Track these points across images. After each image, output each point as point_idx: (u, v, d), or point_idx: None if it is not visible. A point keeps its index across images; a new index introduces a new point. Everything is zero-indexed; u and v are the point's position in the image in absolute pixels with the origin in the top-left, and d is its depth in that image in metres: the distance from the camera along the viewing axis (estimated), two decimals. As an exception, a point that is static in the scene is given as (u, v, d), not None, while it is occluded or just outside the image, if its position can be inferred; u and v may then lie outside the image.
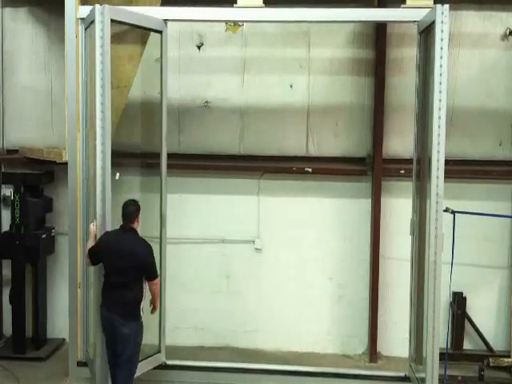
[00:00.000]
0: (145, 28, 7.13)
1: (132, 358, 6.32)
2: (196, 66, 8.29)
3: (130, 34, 7.30)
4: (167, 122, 7.41)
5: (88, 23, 6.95)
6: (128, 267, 6.16)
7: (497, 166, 8.01)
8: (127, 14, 6.83)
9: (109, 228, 6.51)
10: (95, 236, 6.53)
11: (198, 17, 7.21)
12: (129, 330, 6.18)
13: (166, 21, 7.19)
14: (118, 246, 6.21)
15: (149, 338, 6.96)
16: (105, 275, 6.37)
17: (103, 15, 6.43)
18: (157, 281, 6.39)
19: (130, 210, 6.32)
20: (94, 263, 6.52)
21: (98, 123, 6.50)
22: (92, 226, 6.63)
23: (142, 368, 6.95)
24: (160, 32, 7.23)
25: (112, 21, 6.52)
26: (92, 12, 6.60)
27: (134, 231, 6.35)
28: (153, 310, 6.58)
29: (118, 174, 7.05)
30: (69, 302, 7.42)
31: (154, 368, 7.35)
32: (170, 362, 7.51)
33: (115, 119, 7.43)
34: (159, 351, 7.47)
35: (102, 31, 6.44)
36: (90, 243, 6.53)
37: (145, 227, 6.86)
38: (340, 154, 8.27)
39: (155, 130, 7.59)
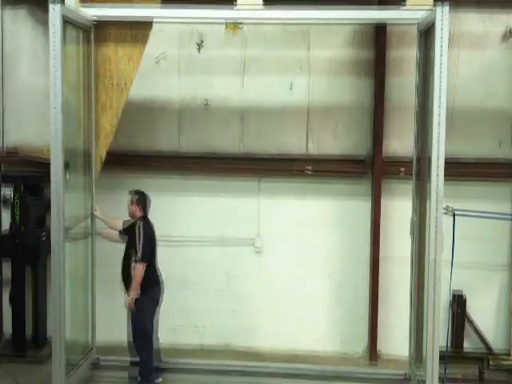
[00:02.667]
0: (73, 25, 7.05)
1: None
2: (196, 67, 8.30)
3: (131, 34, 7.30)
4: (166, 122, 7.40)
5: None
6: None
7: (496, 166, 8.03)
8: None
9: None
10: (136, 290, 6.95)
11: (199, 17, 7.21)
12: None
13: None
14: (154, 229, 7.15)
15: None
16: (153, 260, 7.07)
17: (55, 12, 6.48)
18: None
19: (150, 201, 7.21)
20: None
21: (53, 125, 6.57)
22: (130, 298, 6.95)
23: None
24: (88, 30, 7.23)
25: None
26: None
27: None
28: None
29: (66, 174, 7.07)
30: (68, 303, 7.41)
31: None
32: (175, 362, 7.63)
33: (115, 119, 7.45)
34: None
35: (54, 26, 6.50)
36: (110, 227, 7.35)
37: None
38: (340, 155, 8.28)
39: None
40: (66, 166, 6.70)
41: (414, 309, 7.32)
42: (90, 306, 7.61)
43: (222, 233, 8.38)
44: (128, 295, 6.91)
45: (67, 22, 6.75)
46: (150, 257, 6.95)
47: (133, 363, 7.25)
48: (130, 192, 7.17)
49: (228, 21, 7.94)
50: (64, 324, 6.57)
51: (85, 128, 7.40)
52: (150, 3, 7.26)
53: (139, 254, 6.81)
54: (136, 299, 6.87)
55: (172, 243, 7.88)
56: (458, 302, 8.01)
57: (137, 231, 6.91)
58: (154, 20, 7.19)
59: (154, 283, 7.07)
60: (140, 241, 6.85)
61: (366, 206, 8.21)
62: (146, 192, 7.18)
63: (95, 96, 7.42)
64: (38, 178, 8.21)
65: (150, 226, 7.08)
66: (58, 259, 6.50)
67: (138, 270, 6.82)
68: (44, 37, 8.42)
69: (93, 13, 7.10)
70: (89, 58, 7.34)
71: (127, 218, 7.24)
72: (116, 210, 7.44)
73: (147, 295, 6.95)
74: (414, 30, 7.15)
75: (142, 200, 7.11)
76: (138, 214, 7.08)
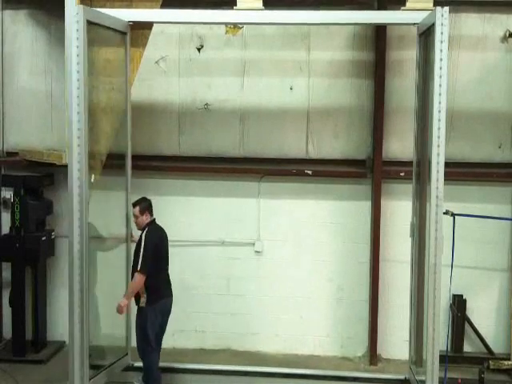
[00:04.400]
0: (110, 29, 7.00)
1: None
2: (196, 68, 8.29)
3: (133, 37, 7.30)
4: (167, 123, 7.39)
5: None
6: (168, 251, 7.10)
7: (496, 168, 8.01)
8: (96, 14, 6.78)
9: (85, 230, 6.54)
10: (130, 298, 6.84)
11: (198, 19, 7.21)
12: None
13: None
14: (165, 235, 7.04)
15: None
16: (159, 271, 6.86)
17: (79, 15, 6.40)
18: None
19: (151, 203, 7.02)
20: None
21: (75, 125, 6.45)
22: (122, 302, 6.79)
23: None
24: (124, 33, 7.18)
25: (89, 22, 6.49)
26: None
27: None
28: None
29: (93, 177, 7.04)
30: (68, 304, 7.39)
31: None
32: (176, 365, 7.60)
33: (117, 122, 7.45)
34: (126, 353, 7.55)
35: (78, 31, 6.41)
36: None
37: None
38: (340, 156, 8.27)
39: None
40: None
41: (414, 311, 7.30)
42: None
43: (222, 235, 8.37)
44: (122, 300, 6.77)
45: (96, 24, 6.73)
46: (153, 268, 6.72)
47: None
48: (133, 204, 6.95)
49: (228, 25, 7.94)
50: (84, 329, 6.60)
51: (117, 131, 7.47)
52: (151, 5, 7.29)
53: (138, 266, 6.65)
54: (141, 307, 6.79)
55: (172, 244, 7.84)
56: (458, 305, 7.99)
57: (142, 240, 6.75)
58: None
59: (160, 296, 6.86)
60: (141, 251, 6.67)
61: (366, 207, 8.21)
62: (146, 197, 7.02)
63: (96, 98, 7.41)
64: (38, 181, 8.22)
65: (155, 233, 6.88)
66: (79, 264, 6.56)
67: (135, 280, 6.68)
68: (44, 39, 8.46)
69: (128, 16, 7.08)
70: (125, 61, 7.32)
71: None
72: (113, 210, 7.43)
73: (152, 306, 6.78)
74: (414, 32, 7.13)
75: (146, 207, 6.90)
76: (146, 222, 6.89)
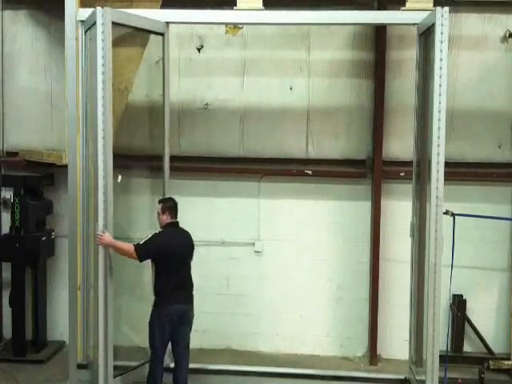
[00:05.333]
0: (146, 30, 7.13)
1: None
2: (196, 68, 8.29)
3: (131, 36, 7.29)
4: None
5: (88, 26, 6.94)
6: (188, 258, 6.80)
7: (496, 168, 8.01)
8: (128, 16, 6.83)
9: (111, 230, 6.51)
10: (114, 241, 6.53)
11: (198, 19, 7.22)
12: (193, 312, 6.83)
13: (167, 23, 7.20)
14: (181, 240, 6.74)
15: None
16: (168, 274, 6.58)
17: (104, 18, 6.41)
18: None
19: (176, 206, 6.80)
20: (142, 260, 6.60)
21: (100, 126, 6.48)
22: (104, 235, 6.48)
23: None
24: (162, 34, 7.24)
25: (113, 23, 6.50)
26: (93, 14, 6.59)
27: (179, 223, 6.83)
28: None
29: (119, 177, 7.06)
30: (69, 304, 7.41)
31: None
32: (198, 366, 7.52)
33: (115, 121, 7.44)
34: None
35: (104, 34, 6.42)
36: (118, 244, 6.55)
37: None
38: (340, 156, 8.27)
39: (156, 132, 7.59)
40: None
41: (414, 311, 7.30)
42: None
43: (222, 234, 8.37)
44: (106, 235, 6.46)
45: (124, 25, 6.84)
46: (160, 269, 6.56)
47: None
48: (158, 201, 6.86)
49: (228, 25, 7.94)
50: (108, 330, 6.62)
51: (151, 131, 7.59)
52: (150, 5, 7.30)
53: (139, 242, 6.49)
54: (152, 310, 6.64)
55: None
56: (458, 305, 7.99)
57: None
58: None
59: (167, 301, 6.57)
60: (146, 238, 6.54)
61: (366, 207, 8.21)
62: (173, 198, 6.85)
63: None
64: (38, 181, 8.22)
65: (164, 238, 6.60)
66: (104, 263, 6.55)
67: (127, 246, 6.48)
68: (44, 39, 8.46)
69: (165, 17, 7.13)
70: (163, 61, 7.37)
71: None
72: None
73: (157, 310, 6.57)
74: (414, 32, 7.14)
75: (168, 207, 6.71)
76: (165, 221, 6.69)
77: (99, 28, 6.42)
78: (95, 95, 6.51)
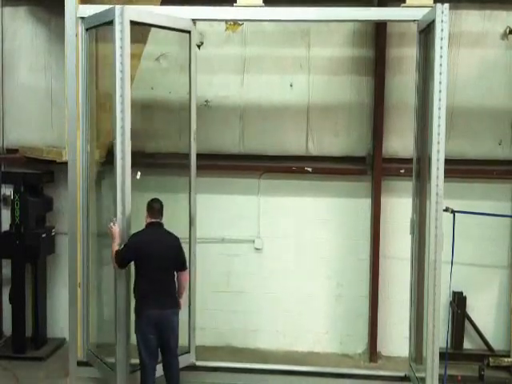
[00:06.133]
0: (170, 28, 7.11)
1: (177, 343, 6.62)
2: (196, 65, 8.27)
3: (131, 33, 7.29)
4: (169, 120, 7.39)
5: (94, 23, 6.97)
6: (166, 260, 6.45)
7: (497, 165, 8.01)
8: (150, 15, 6.85)
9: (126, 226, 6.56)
10: (119, 236, 6.53)
11: (198, 16, 7.20)
12: (177, 318, 6.53)
13: (193, 20, 7.17)
14: (156, 241, 6.44)
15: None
16: (144, 277, 6.41)
17: (122, 17, 6.43)
18: (187, 272, 6.71)
19: (158, 206, 6.58)
20: (123, 266, 6.50)
21: (118, 124, 6.54)
22: (114, 226, 6.53)
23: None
24: (188, 32, 7.21)
25: (132, 22, 6.54)
26: (109, 12, 6.58)
27: (163, 225, 6.61)
28: (179, 301, 6.69)
29: (138, 174, 7.09)
30: (69, 301, 7.42)
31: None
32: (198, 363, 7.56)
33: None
34: (188, 351, 7.49)
35: (122, 33, 6.45)
36: (116, 244, 6.50)
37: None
38: (340, 154, 8.27)
39: (158, 129, 7.58)
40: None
41: (414, 308, 7.30)
42: (189, 309, 7.47)
43: (222, 232, 8.37)
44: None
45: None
46: (136, 271, 6.41)
47: None
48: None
49: (228, 22, 7.93)
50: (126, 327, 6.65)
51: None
52: (151, 2, 7.29)
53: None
54: None
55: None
56: (458, 302, 8.00)
57: None
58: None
59: (142, 305, 6.36)
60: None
61: (366, 204, 8.21)
62: (157, 198, 6.70)
63: (96, 95, 7.42)
64: (38, 178, 8.22)
65: (141, 237, 6.44)
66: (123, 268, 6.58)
67: (114, 252, 6.43)
68: (44, 36, 8.45)
69: (191, 14, 7.12)
70: (189, 59, 7.37)
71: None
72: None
73: (139, 315, 6.38)
74: (414, 29, 7.13)
75: (148, 207, 6.57)
76: (146, 222, 6.58)
77: (117, 27, 6.44)
78: (114, 96, 6.54)
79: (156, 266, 6.37)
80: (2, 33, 8.49)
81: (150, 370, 6.46)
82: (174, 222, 6.97)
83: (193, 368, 7.48)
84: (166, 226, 6.67)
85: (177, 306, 6.56)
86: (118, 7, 6.45)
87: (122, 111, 6.53)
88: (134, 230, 6.60)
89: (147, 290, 6.38)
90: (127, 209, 6.61)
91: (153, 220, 6.54)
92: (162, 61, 8.27)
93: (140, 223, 6.64)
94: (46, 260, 8.39)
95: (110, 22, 6.52)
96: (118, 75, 6.50)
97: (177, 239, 6.59)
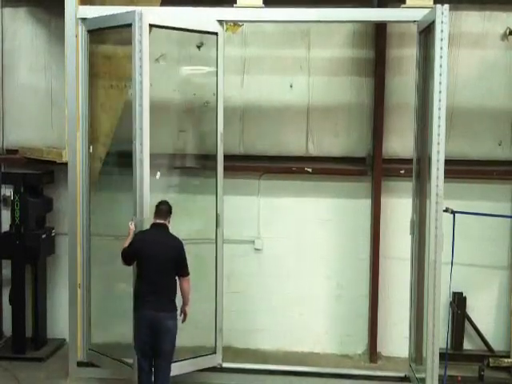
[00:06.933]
0: (197, 31, 7.23)
1: (173, 349, 6.49)
2: (196, 66, 8.28)
3: (130, 34, 7.29)
4: (169, 121, 7.41)
5: (108, 25, 7.07)
6: (166, 262, 6.37)
7: (496, 165, 8.01)
8: (174, 17, 7.01)
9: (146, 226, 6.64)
10: (133, 235, 6.65)
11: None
12: (172, 322, 6.38)
13: (220, 21, 7.17)
14: (157, 242, 6.42)
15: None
16: (142, 276, 6.40)
17: (142, 21, 6.56)
18: (188, 278, 6.59)
19: (164, 208, 6.56)
20: (127, 263, 6.58)
21: (137, 124, 6.67)
22: (131, 226, 6.69)
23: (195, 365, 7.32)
24: (215, 34, 7.22)
25: (153, 26, 6.71)
26: (128, 16, 6.68)
27: (167, 227, 6.55)
28: (183, 308, 6.67)
29: (158, 174, 7.20)
30: (69, 302, 7.43)
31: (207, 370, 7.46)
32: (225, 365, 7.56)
33: (114, 120, 7.46)
34: (215, 352, 7.51)
35: (141, 36, 6.58)
36: (127, 242, 6.59)
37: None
38: (340, 154, 8.27)
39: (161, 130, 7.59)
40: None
41: (413, 309, 7.31)
42: (215, 311, 7.54)
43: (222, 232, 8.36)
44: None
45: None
46: (137, 269, 6.50)
47: None
48: None
49: (228, 23, 7.93)
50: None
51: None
52: (151, 3, 7.29)
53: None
54: None
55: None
56: (458, 302, 8.00)
57: None
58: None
59: (139, 305, 6.37)
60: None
61: (366, 205, 8.21)
62: (163, 200, 6.71)
63: (95, 96, 7.42)
64: (38, 178, 8.22)
65: (140, 236, 6.57)
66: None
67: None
68: (44, 36, 8.45)
69: (219, 16, 7.13)
70: (216, 60, 7.37)
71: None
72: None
73: (134, 314, 6.43)
74: (414, 30, 7.14)
75: (155, 209, 6.62)
76: (152, 222, 6.63)
77: (137, 31, 6.56)
78: (134, 99, 6.69)
79: (154, 266, 6.33)
80: (2, 33, 8.50)
81: (143, 366, 6.41)
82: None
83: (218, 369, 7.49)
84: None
85: (173, 310, 6.44)
86: (137, 11, 6.55)
87: (140, 113, 6.65)
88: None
89: (143, 291, 6.36)
90: (145, 209, 6.71)
91: (157, 221, 6.52)
92: (161, 61, 8.26)
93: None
94: (46, 260, 8.38)
95: (127, 25, 6.68)
96: (138, 79, 6.61)
97: (179, 243, 6.51)
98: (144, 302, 6.33)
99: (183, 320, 6.67)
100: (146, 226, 6.64)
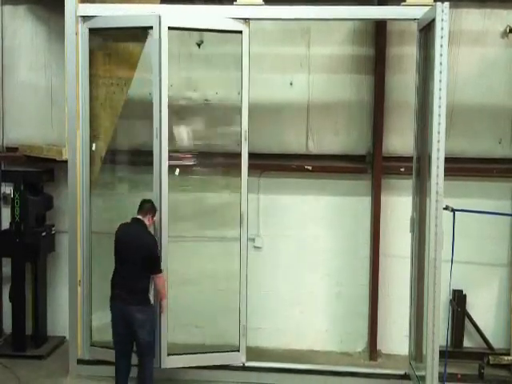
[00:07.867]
0: (221, 31, 7.25)
1: (151, 342, 6.68)
2: (196, 64, 8.28)
3: (130, 33, 7.30)
4: (169, 120, 7.38)
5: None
6: (137, 258, 6.50)
7: (497, 163, 8.01)
8: (196, 18, 7.15)
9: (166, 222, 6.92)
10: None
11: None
12: (141, 315, 6.50)
13: (245, 20, 7.13)
14: (128, 235, 6.64)
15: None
16: (116, 268, 6.65)
17: (163, 25, 6.79)
18: (161, 275, 6.71)
19: (146, 206, 6.75)
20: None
21: (156, 125, 6.87)
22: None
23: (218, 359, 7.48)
24: (240, 32, 7.18)
25: (172, 28, 6.90)
26: (149, 19, 6.86)
27: (143, 223, 6.69)
28: (161, 302, 6.88)
29: (177, 170, 7.34)
30: (69, 299, 7.43)
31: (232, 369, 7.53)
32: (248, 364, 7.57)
33: (114, 118, 7.46)
34: (238, 350, 7.52)
35: (161, 38, 6.82)
36: None
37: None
38: (340, 152, 8.27)
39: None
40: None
41: (413, 306, 7.31)
42: (239, 309, 7.53)
43: (221, 230, 8.35)
44: None
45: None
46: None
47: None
48: None
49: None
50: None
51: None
52: (150, 2, 7.29)
53: None
54: None
55: (171, 240, 7.83)
56: (458, 300, 8.01)
57: None
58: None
59: (112, 295, 6.66)
60: None
61: (366, 203, 8.21)
62: (147, 199, 6.92)
63: (95, 94, 7.42)
64: (38, 176, 8.22)
65: (119, 229, 6.73)
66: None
67: None
68: (44, 34, 8.45)
69: (244, 14, 7.09)
70: (241, 58, 7.33)
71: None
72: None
73: (109, 303, 6.70)
74: (414, 28, 7.14)
75: None
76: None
77: (158, 33, 6.79)
78: (158, 94, 6.85)
79: (124, 259, 6.58)
80: (1, 31, 8.49)
81: (120, 370, 6.70)
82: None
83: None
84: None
85: (142, 303, 6.56)
86: (155, 14, 6.75)
87: (159, 112, 6.81)
88: (172, 227, 7.08)
89: (115, 283, 6.63)
90: (164, 205, 6.94)
91: (137, 216, 6.73)
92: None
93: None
94: (46, 258, 8.38)
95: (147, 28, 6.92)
96: (157, 79, 6.76)
97: (152, 240, 6.69)
98: (114, 294, 6.62)
99: (161, 312, 6.92)
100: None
